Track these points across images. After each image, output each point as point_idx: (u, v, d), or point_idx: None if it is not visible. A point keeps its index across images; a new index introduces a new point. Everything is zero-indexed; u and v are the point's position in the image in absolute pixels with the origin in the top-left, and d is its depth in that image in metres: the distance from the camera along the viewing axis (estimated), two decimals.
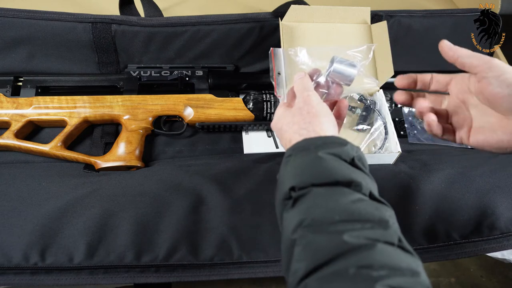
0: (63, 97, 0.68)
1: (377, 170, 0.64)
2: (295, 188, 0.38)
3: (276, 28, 0.74)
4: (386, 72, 0.71)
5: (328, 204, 0.36)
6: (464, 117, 0.47)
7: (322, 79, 0.52)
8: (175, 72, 0.73)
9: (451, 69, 0.86)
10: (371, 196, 0.39)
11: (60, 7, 0.72)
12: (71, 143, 0.69)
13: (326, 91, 0.53)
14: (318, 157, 0.39)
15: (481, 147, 0.45)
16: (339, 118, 0.53)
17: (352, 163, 0.40)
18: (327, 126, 0.45)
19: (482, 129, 0.45)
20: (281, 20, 0.73)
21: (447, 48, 0.45)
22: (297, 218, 0.36)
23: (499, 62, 0.42)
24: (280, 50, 0.61)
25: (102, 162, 0.66)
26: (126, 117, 0.69)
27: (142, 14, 0.77)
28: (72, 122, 0.67)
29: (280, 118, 0.49)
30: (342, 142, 0.42)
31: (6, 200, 0.55)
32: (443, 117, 0.48)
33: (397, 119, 0.78)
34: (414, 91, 0.50)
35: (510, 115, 0.42)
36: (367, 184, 0.39)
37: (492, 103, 0.42)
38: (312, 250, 0.34)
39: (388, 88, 0.76)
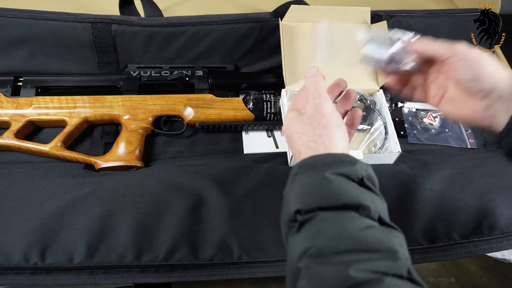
0: (63, 97, 0.68)
1: (377, 170, 0.63)
2: (301, 211, 0.37)
3: (276, 28, 0.74)
4: None
5: (334, 231, 0.35)
6: (439, 84, 0.47)
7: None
8: (175, 72, 0.73)
9: None
10: (380, 220, 0.37)
11: (60, 7, 0.72)
12: (71, 143, 0.69)
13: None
14: (325, 178, 0.37)
15: (446, 114, 0.47)
16: (351, 127, 0.50)
17: (361, 183, 0.39)
18: (337, 140, 0.42)
19: (452, 100, 0.46)
20: (281, 20, 0.73)
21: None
22: (302, 245, 0.35)
23: (462, 49, 0.43)
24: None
25: (102, 162, 0.66)
26: (126, 117, 0.69)
27: (142, 14, 0.77)
28: (72, 122, 0.67)
29: (290, 125, 0.46)
30: (352, 161, 0.39)
31: (6, 200, 0.55)
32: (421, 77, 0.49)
33: (397, 119, 0.78)
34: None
35: (476, 96, 0.43)
36: (376, 208, 0.37)
37: (460, 85, 0.44)
38: (317, 285, 0.32)
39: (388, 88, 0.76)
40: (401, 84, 0.50)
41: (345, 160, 0.39)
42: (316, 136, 0.42)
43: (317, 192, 0.37)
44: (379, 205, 0.38)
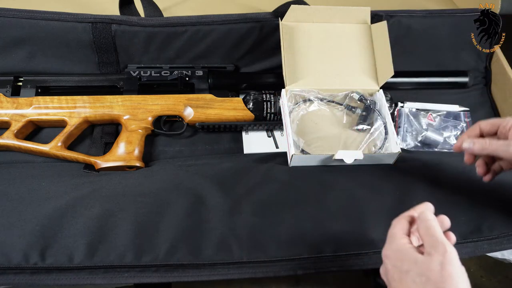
0: (63, 97, 0.68)
1: (377, 170, 0.64)
2: None
3: (276, 28, 0.74)
4: (386, 72, 0.71)
5: None
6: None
7: None
8: (175, 72, 0.73)
9: (450, 69, 0.86)
10: None
11: (60, 7, 0.72)
12: (71, 143, 0.69)
13: None
14: None
15: None
16: None
17: None
18: None
19: None
20: (281, 20, 0.73)
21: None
22: None
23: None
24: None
25: (102, 162, 0.66)
26: (126, 117, 0.69)
27: (142, 14, 0.77)
28: (72, 122, 0.67)
29: (405, 261, 0.39)
30: None
31: (6, 200, 0.55)
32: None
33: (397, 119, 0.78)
34: None
35: None
36: None
37: None
38: None
39: (388, 88, 0.76)
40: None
41: None
42: None
43: None
44: None
